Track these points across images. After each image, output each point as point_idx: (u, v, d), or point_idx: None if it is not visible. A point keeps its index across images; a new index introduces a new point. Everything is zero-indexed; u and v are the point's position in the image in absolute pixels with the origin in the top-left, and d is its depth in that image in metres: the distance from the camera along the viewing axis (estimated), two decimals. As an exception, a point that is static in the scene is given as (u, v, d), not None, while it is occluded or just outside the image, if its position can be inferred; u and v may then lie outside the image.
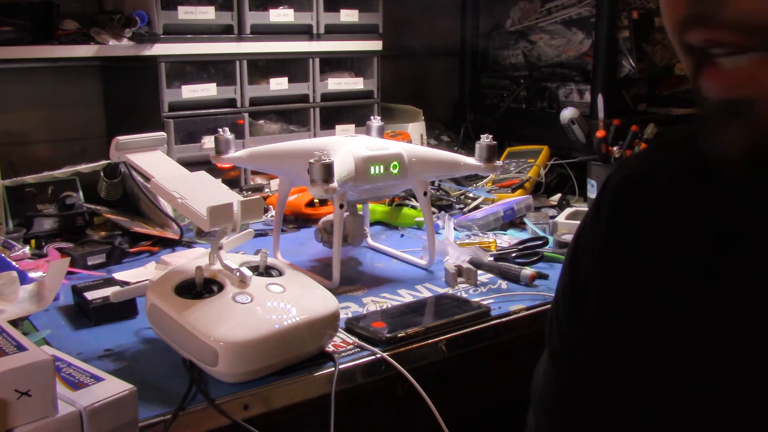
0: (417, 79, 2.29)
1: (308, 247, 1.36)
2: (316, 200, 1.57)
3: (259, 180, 1.74)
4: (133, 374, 0.84)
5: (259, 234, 1.42)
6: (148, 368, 0.88)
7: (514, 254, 1.28)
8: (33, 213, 1.38)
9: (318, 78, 1.78)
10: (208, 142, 1.59)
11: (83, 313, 1.04)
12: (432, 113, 2.09)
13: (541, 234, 1.43)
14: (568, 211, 1.55)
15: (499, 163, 1.25)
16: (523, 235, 1.46)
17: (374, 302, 1.10)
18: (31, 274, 1.11)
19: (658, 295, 0.50)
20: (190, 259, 1.02)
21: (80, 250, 1.26)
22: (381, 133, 1.39)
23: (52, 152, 1.72)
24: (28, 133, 1.70)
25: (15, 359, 0.66)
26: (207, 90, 1.63)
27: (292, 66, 1.78)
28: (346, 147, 1.14)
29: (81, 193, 1.44)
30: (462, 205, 1.63)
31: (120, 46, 1.52)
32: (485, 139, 1.23)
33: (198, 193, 0.94)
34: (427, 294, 1.14)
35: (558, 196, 1.74)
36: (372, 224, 1.50)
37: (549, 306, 1.09)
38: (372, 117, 1.43)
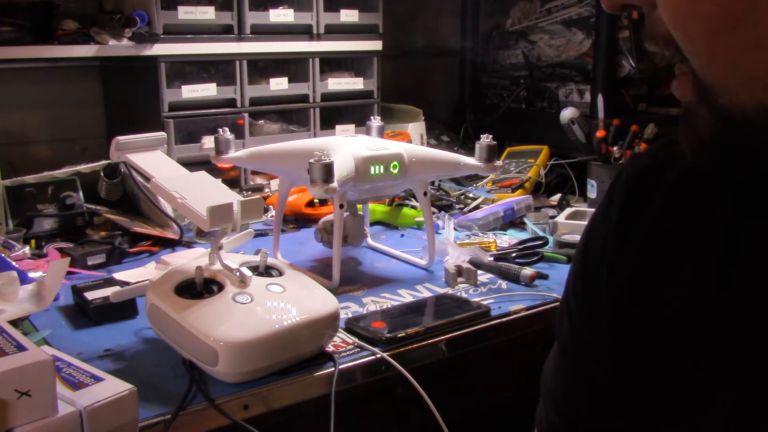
0: (417, 79, 2.29)
1: (308, 247, 1.36)
2: (316, 200, 1.57)
3: (259, 180, 1.74)
4: (133, 374, 0.83)
5: (259, 234, 1.42)
6: (148, 368, 0.88)
7: (514, 254, 1.28)
8: (33, 213, 1.38)
9: (318, 78, 1.78)
10: (208, 142, 1.59)
11: (83, 313, 1.04)
12: (432, 113, 2.09)
13: (541, 234, 1.42)
14: (568, 211, 1.54)
15: (499, 163, 1.25)
16: (523, 235, 1.46)
17: (374, 302, 1.10)
18: (31, 274, 1.10)
19: (669, 286, 0.50)
20: (190, 259, 1.02)
21: (80, 250, 1.26)
22: (381, 133, 1.39)
23: (52, 152, 1.72)
24: (28, 133, 1.70)
25: (15, 359, 0.66)
26: (207, 90, 1.63)
27: (292, 66, 1.78)
28: (346, 147, 1.14)
29: (81, 193, 1.44)
30: (462, 205, 1.63)
31: (120, 46, 1.51)
32: (485, 139, 1.23)
33: (198, 193, 0.94)
34: (427, 294, 1.14)
35: (558, 196, 1.74)
36: (372, 224, 1.50)
37: (549, 306, 1.10)
38: (372, 117, 1.43)
